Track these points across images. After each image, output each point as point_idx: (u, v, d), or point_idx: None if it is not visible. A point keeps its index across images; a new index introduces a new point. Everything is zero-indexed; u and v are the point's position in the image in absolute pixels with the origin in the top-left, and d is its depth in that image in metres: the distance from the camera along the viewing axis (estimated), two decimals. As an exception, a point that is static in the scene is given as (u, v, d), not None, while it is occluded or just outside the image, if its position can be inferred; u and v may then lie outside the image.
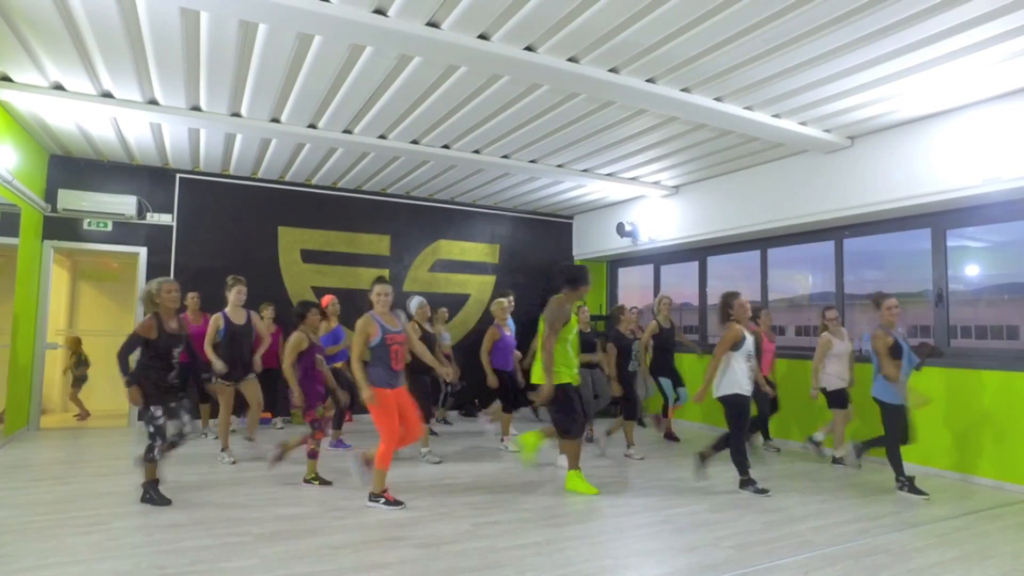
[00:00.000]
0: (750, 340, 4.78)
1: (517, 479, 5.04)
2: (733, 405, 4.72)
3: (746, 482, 4.74)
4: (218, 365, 5.39)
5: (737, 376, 4.69)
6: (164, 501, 4.11)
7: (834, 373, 5.74)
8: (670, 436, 6.96)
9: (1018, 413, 5.07)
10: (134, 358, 4.12)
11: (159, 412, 4.12)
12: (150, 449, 4.14)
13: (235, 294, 5.56)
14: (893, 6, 3.58)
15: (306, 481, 4.73)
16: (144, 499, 4.13)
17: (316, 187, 8.23)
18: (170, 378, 4.20)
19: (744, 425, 4.75)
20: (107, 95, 5.19)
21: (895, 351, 4.67)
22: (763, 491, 4.67)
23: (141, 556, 3.23)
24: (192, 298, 6.47)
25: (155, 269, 7.30)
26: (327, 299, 6.49)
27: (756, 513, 4.24)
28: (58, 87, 5.05)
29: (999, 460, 5.17)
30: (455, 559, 3.29)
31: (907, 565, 3.35)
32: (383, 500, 4.18)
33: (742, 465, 4.76)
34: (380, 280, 4.41)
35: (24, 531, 3.59)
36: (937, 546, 3.66)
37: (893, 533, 3.88)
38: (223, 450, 5.45)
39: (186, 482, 4.72)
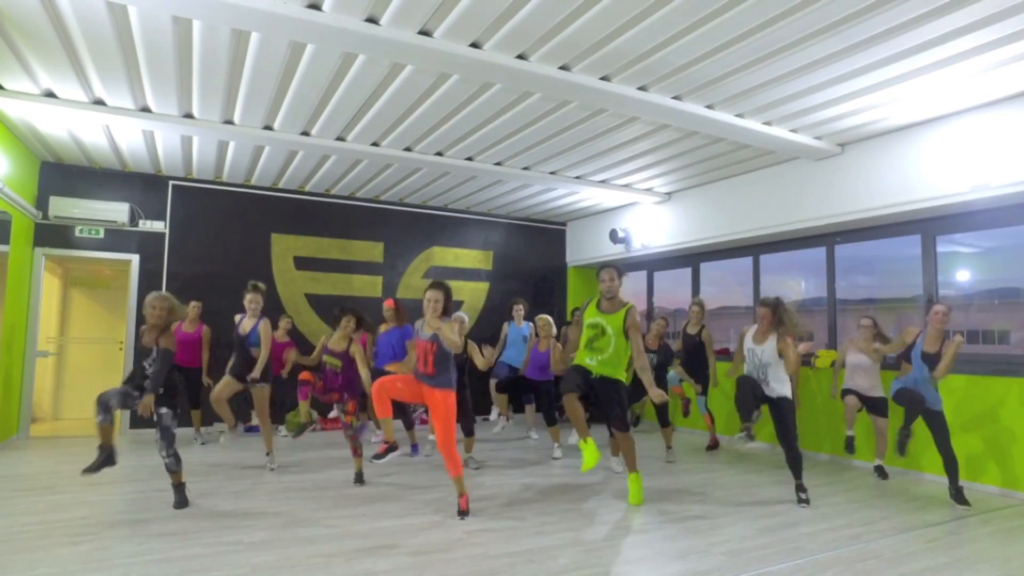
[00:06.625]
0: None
1: (509, 487, 5.04)
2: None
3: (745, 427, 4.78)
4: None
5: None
6: (181, 504, 4.27)
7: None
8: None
9: (1008, 418, 5.10)
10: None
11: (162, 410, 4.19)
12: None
13: (247, 302, 5.45)
14: (883, 15, 3.62)
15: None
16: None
17: (309, 194, 8.22)
18: (130, 386, 4.20)
19: (741, 400, 4.73)
20: (99, 102, 5.18)
21: None
22: (749, 436, 4.73)
23: (131, 566, 3.21)
24: (193, 307, 6.67)
25: (147, 276, 7.29)
26: (389, 302, 6.34)
27: (749, 519, 4.25)
28: (50, 94, 5.03)
29: (989, 465, 5.19)
30: (447, 567, 3.29)
31: (898, 570, 3.36)
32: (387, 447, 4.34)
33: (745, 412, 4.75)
34: (432, 286, 4.28)
35: (12, 541, 3.56)
36: (928, 551, 3.68)
37: (885, 539, 3.90)
38: (267, 454, 5.54)
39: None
